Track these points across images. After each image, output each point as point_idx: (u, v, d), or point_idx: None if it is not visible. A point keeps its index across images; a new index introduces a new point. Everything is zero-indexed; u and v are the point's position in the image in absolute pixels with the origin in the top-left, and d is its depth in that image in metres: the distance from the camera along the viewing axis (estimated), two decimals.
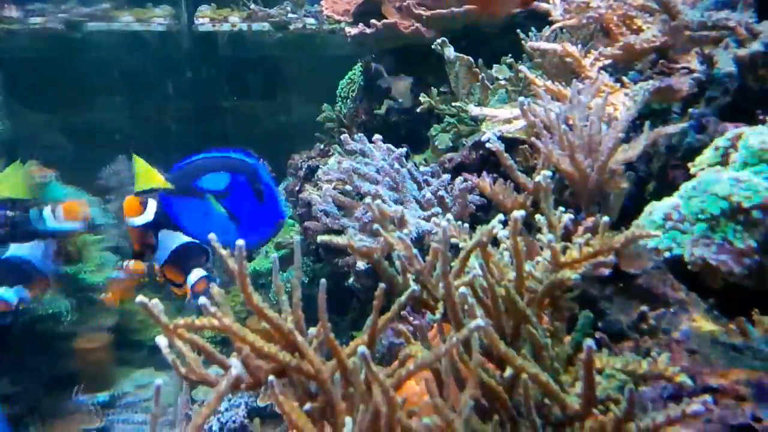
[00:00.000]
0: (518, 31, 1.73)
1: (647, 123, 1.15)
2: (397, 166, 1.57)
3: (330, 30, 3.46)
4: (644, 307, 1.01)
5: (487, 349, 0.75)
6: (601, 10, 1.40)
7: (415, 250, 0.86)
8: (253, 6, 3.50)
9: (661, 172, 1.22)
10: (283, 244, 2.64)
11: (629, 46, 1.34)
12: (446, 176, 1.54)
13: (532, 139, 1.17)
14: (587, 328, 0.83)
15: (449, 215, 0.83)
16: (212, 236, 0.83)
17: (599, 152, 1.08)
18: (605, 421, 0.67)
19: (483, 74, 1.81)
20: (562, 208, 0.96)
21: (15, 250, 1.90)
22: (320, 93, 2.75)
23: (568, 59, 1.41)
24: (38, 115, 3.70)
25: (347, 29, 2.20)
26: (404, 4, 2.06)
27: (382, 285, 0.76)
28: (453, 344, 0.66)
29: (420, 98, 1.95)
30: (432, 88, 1.97)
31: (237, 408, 2.26)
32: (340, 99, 2.65)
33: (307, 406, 0.74)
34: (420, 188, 1.55)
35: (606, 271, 0.99)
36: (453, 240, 1.02)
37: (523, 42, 1.66)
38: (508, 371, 0.72)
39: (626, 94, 1.26)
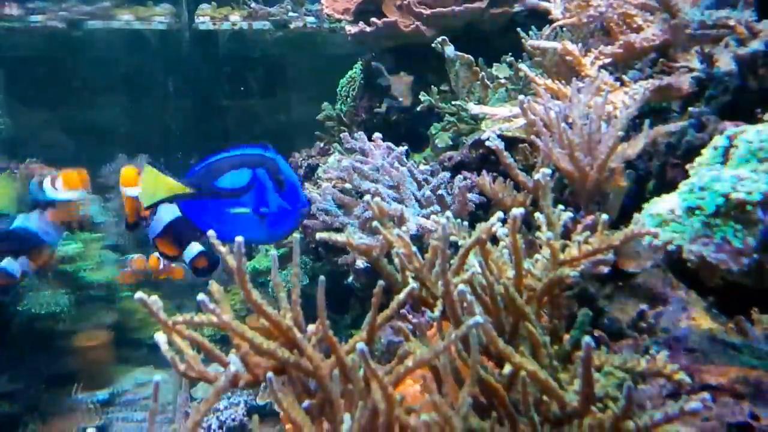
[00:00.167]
0: (518, 29, 1.73)
1: (647, 121, 1.15)
2: (396, 164, 1.57)
3: (330, 29, 3.46)
4: (643, 306, 1.01)
5: (486, 347, 0.75)
6: (602, 8, 1.40)
7: (414, 248, 0.86)
8: (253, 5, 3.50)
9: (661, 171, 1.22)
10: (283, 243, 2.64)
11: (629, 44, 1.34)
12: (446, 174, 1.54)
13: (532, 137, 1.17)
14: (586, 326, 0.83)
15: (448, 213, 0.83)
16: (211, 233, 0.83)
17: (599, 150, 1.08)
18: (603, 418, 0.67)
19: (483, 73, 1.81)
20: (561, 207, 0.96)
21: (21, 221, 1.90)
22: (320, 92, 2.75)
23: (568, 58, 1.41)
24: (38, 113, 3.70)
25: (347, 28, 2.20)
26: (405, 2, 2.07)
27: (381, 282, 0.76)
28: (451, 341, 0.66)
29: (420, 97, 1.95)
30: (432, 86, 1.97)
31: (236, 406, 2.26)
32: (340, 98, 2.65)
33: (306, 403, 0.74)
34: (420, 187, 1.55)
35: (605, 269, 0.99)
36: (452, 238, 1.02)
37: (523, 41, 1.66)
38: (507, 368, 0.72)
39: (626, 93, 1.26)
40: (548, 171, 0.89)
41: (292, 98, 4.00)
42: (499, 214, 0.82)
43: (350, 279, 1.74)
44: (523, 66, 1.52)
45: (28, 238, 1.89)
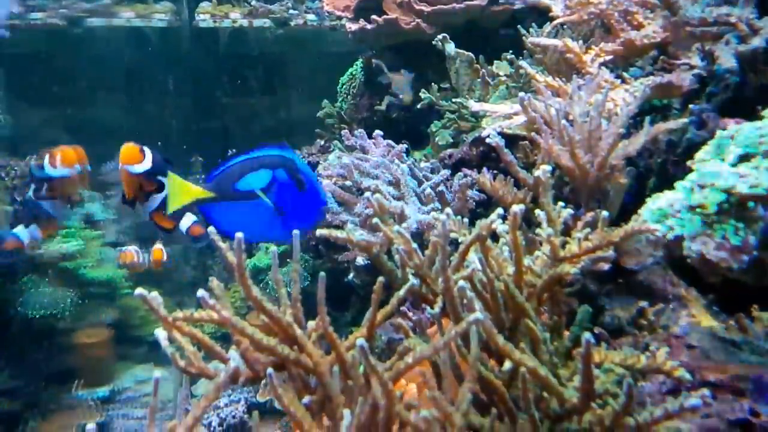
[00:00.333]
0: (519, 27, 1.73)
1: (647, 119, 1.15)
2: (397, 161, 1.57)
3: (331, 26, 3.46)
4: (643, 303, 1.01)
5: (486, 344, 0.75)
6: (602, 5, 1.40)
7: (414, 244, 0.86)
8: (253, 2, 3.50)
9: (662, 168, 1.22)
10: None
11: (630, 42, 1.33)
12: (446, 172, 1.54)
13: (533, 134, 1.17)
14: (586, 323, 0.83)
15: (448, 209, 0.83)
16: (212, 229, 0.83)
17: (599, 147, 1.08)
18: (603, 414, 0.67)
19: (484, 70, 1.81)
20: (561, 204, 0.96)
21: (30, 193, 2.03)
22: (321, 89, 2.75)
23: (568, 55, 1.41)
24: (39, 110, 3.70)
25: (348, 25, 2.20)
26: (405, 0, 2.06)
27: (380, 278, 0.76)
28: (451, 337, 0.66)
29: (420, 94, 1.95)
30: (433, 84, 1.97)
31: (237, 403, 2.26)
32: (340, 95, 2.65)
33: (306, 399, 0.74)
34: (420, 184, 1.55)
35: (605, 266, 0.98)
36: (452, 235, 1.02)
37: (524, 38, 1.66)
38: (507, 365, 0.72)
39: (627, 90, 1.25)
40: (548, 168, 0.89)
41: (293, 96, 3.99)
42: (499, 210, 0.82)
43: (350, 276, 1.74)
44: (523, 63, 1.52)
45: (37, 210, 2.02)
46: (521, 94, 1.23)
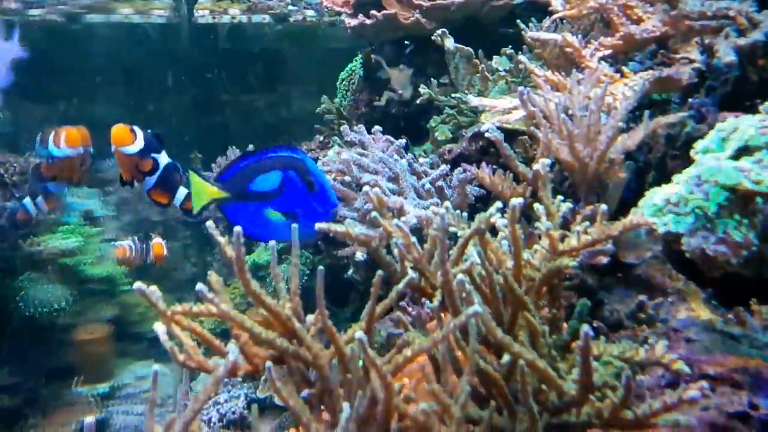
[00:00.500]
0: (518, 21, 1.72)
1: (647, 113, 1.15)
2: (396, 157, 1.57)
3: (330, 22, 3.45)
4: (642, 297, 1.01)
5: (485, 337, 0.75)
6: (602, 0, 1.40)
7: (413, 238, 0.86)
8: None
9: (661, 163, 1.21)
10: None
11: (629, 36, 1.33)
12: (445, 167, 1.53)
13: (532, 128, 1.17)
14: (585, 316, 0.83)
15: (447, 203, 0.83)
16: (210, 224, 0.83)
17: (598, 141, 1.08)
18: (602, 407, 0.67)
19: (483, 65, 1.81)
20: (561, 198, 0.96)
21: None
22: (320, 85, 2.75)
23: (568, 49, 1.40)
24: (37, 107, 3.69)
25: (347, 20, 2.20)
26: None
27: (379, 272, 0.76)
28: (450, 330, 0.66)
29: (420, 89, 1.95)
30: (432, 79, 1.96)
31: (236, 399, 2.26)
32: (340, 91, 2.64)
33: (305, 392, 0.74)
34: (419, 179, 1.55)
35: (604, 260, 0.99)
36: (451, 229, 1.02)
37: (523, 33, 1.66)
38: (506, 358, 0.72)
39: (626, 84, 1.25)
40: (547, 161, 0.89)
41: (292, 92, 3.99)
42: (498, 203, 0.82)
43: (350, 272, 1.74)
44: (522, 58, 1.51)
45: (43, 186, 2.13)
46: (520, 88, 1.23)
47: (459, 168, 1.49)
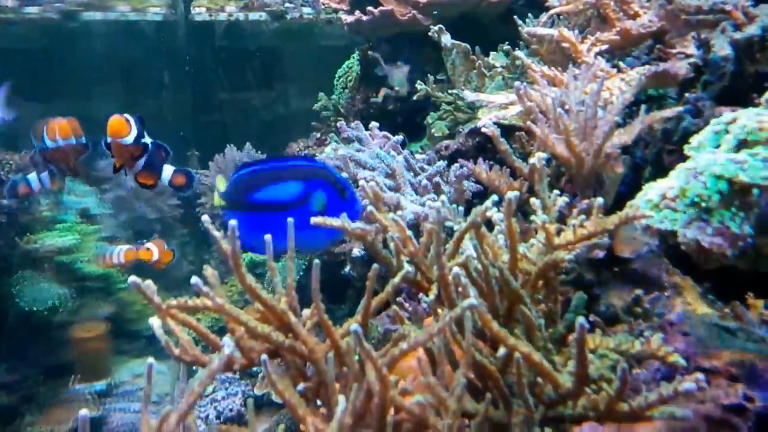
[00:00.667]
0: (515, 17, 1.72)
1: (643, 107, 1.15)
2: (393, 153, 1.56)
3: (327, 19, 3.44)
4: (639, 291, 1.01)
5: (481, 331, 0.75)
6: None
7: (409, 232, 0.86)
8: None
9: (657, 158, 1.21)
10: None
11: (626, 31, 1.33)
12: (442, 163, 1.53)
13: (528, 123, 1.17)
14: (581, 310, 0.83)
15: (443, 197, 0.82)
16: (205, 218, 0.82)
17: (595, 136, 1.08)
18: (598, 399, 0.67)
19: (480, 62, 1.81)
20: (557, 192, 0.96)
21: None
22: (317, 83, 2.75)
23: (564, 45, 1.40)
24: (34, 105, 3.67)
25: (344, 17, 2.20)
26: None
27: (375, 266, 0.76)
28: (446, 323, 0.66)
29: (417, 86, 1.95)
30: (429, 75, 1.96)
31: (234, 396, 2.26)
32: (337, 88, 2.64)
33: (301, 386, 0.74)
34: (416, 176, 1.54)
35: (600, 254, 0.98)
36: (448, 224, 1.02)
37: (520, 28, 1.66)
38: (501, 351, 0.72)
39: (623, 79, 1.25)
40: (543, 155, 0.89)
41: (289, 89, 3.98)
42: (494, 197, 0.82)
43: (347, 269, 1.74)
44: (519, 53, 1.51)
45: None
46: (517, 83, 1.23)
47: (456, 164, 1.49)
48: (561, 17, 1.61)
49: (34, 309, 2.55)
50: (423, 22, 2.04)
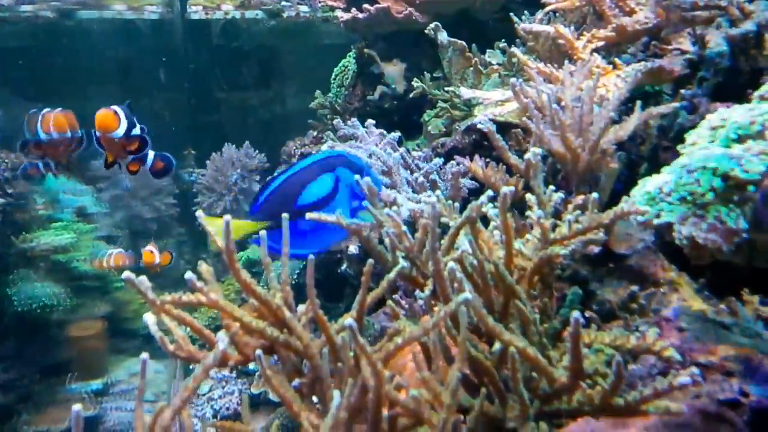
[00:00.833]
0: (511, 14, 1.72)
1: (638, 103, 1.15)
2: (389, 150, 1.56)
3: (323, 18, 3.44)
4: (634, 287, 1.01)
5: (476, 326, 0.75)
6: None
7: (404, 227, 0.86)
8: None
9: (653, 154, 1.21)
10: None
11: (622, 28, 1.33)
12: (439, 160, 1.53)
13: (524, 120, 1.16)
14: (576, 304, 0.83)
15: (439, 192, 0.82)
16: (200, 213, 0.82)
17: (590, 132, 1.08)
18: (593, 393, 0.67)
19: (476, 59, 1.81)
20: (552, 188, 0.96)
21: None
22: (314, 81, 2.74)
23: (560, 41, 1.40)
24: (30, 103, 3.66)
25: (339, 15, 2.19)
26: None
27: (370, 261, 0.76)
28: (441, 317, 0.65)
29: (413, 83, 1.95)
30: (425, 73, 1.96)
31: (230, 395, 2.26)
32: (333, 86, 2.64)
33: (296, 382, 0.74)
34: (412, 173, 1.54)
35: (596, 249, 0.98)
36: (443, 219, 1.02)
37: (516, 26, 1.65)
38: (497, 346, 0.72)
39: (618, 76, 1.25)
40: (539, 150, 0.89)
41: (285, 88, 3.98)
42: (489, 192, 0.82)
43: (344, 267, 1.74)
44: (515, 50, 1.51)
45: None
46: (512, 79, 1.23)
47: (452, 161, 1.49)
48: (557, 14, 1.60)
49: (30, 308, 2.54)
50: (419, 20, 2.03)
